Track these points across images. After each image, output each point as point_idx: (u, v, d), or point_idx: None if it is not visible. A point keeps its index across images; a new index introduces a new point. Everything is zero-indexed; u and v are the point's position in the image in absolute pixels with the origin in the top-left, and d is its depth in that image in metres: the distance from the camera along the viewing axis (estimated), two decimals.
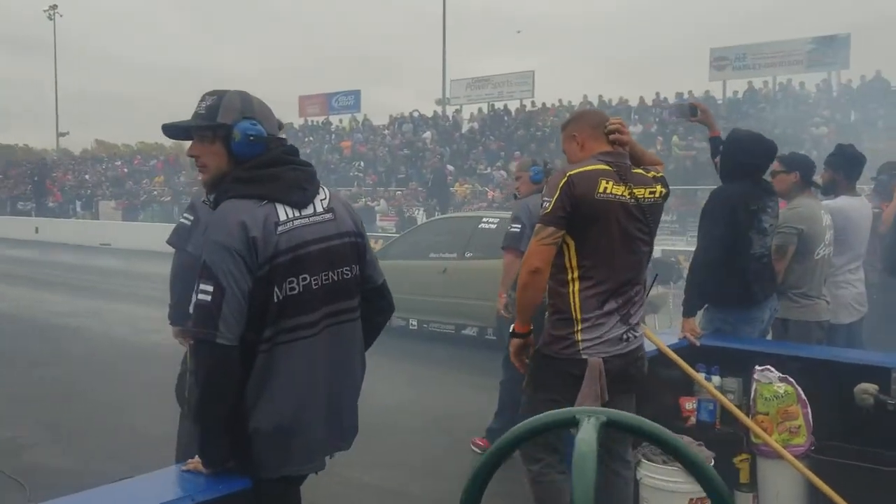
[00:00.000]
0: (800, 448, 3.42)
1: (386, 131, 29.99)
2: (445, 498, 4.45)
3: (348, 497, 4.23)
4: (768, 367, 3.54)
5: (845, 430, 3.48)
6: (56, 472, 4.69)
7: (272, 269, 2.04)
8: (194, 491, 2.04)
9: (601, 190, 2.81)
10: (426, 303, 8.65)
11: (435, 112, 30.81)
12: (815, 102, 22.03)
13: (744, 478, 3.60)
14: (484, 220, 8.81)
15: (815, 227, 4.34)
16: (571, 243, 2.86)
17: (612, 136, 2.97)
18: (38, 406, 6.19)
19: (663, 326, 7.62)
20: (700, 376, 3.65)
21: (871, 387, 3.38)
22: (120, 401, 6.32)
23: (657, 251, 10.82)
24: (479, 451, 5.01)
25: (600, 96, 25.80)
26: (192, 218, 3.75)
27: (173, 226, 3.94)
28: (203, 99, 2.16)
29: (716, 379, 3.72)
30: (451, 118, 29.72)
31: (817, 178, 4.70)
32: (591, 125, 3.04)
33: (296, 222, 2.11)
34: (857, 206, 4.77)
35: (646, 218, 2.92)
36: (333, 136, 31.13)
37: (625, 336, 2.90)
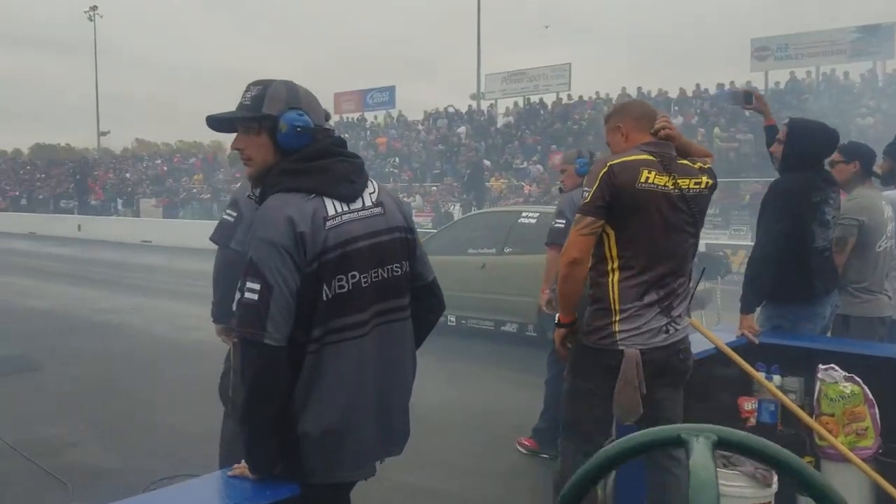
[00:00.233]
0: (867, 451, 3.25)
1: (420, 127, 29.95)
2: (488, 498, 4.35)
3: (388, 497, 4.14)
4: (832, 365, 3.37)
5: None
6: (98, 471, 4.68)
7: (321, 266, 1.94)
8: (240, 498, 1.96)
9: (643, 179, 2.77)
10: (465, 299, 8.53)
11: (470, 107, 30.66)
12: (860, 93, 21.49)
13: None
14: (524, 214, 8.67)
15: (876, 219, 4.16)
16: (612, 233, 2.83)
17: (661, 133, 2.92)
18: (80, 403, 6.22)
19: (710, 322, 7.42)
20: (760, 375, 3.49)
21: None
22: (161, 398, 6.32)
23: (701, 245, 10.63)
24: (524, 451, 4.89)
25: (639, 88, 25.44)
26: (234, 214, 3.68)
27: (212, 223, 3.87)
28: (248, 89, 2.07)
29: (776, 378, 3.55)
30: (486, 113, 29.55)
31: (875, 169, 4.51)
32: (634, 116, 3.01)
33: (344, 217, 2.01)
34: None
35: (690, 209, 2.86)
36: (368, 132, 31.17)
37: (666, 328, 2.84)
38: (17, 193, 38.12)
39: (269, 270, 1.87)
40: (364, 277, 2.02)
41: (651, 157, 2.83)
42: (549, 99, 28.14)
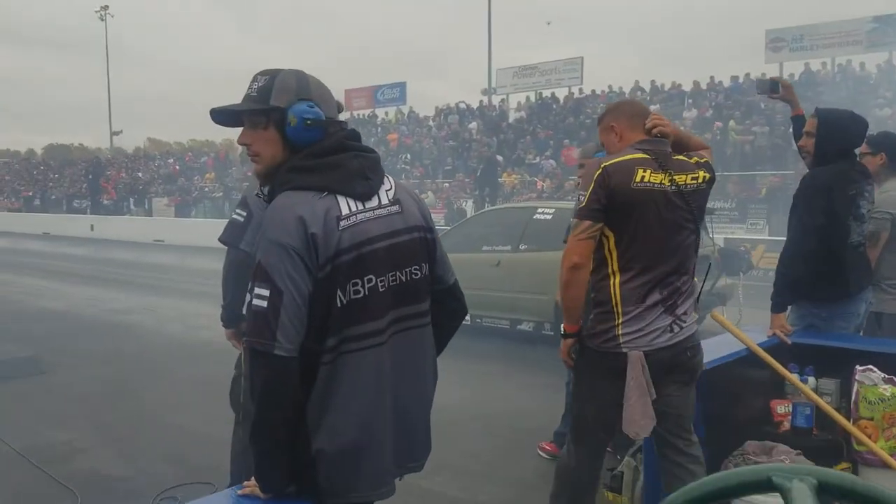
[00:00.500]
0: None
1: (432, 123, 29.79)
2: (508, 503, 4.21)
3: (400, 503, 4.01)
4: (870, 366, 3.21)
5: None
6: (107, 479, 4.57)
7: (334, 270, 1.80)
8: None
9: (638, 179, 2.74)
10: (480, 297, 8.35)
11: (481, 102, 30.47)
12: (877, 83, 21.15)
13: None
14: (539, 210, 8.50)
15: None
16: (611, 235, 2.80)
17: (655, 131, 2.87)
18: (90, 407, 6.11)
19: (731, 319, 7.24)
20: (795, 377, 3.33)
21: None
22: (173, 400, 6.22)
23: (719, 240, 10.45)
24: (546, 456, 4.74)
25: (652, 81, 25.21)
26: (244, 214, 3.55)
27: (224, 221, 3.75)
28: (254, 80, 1.92)
29: (811, 380, 3.40)
30: (497, 108, 29.35)
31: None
32: (627, 115, 2.98)
33: (359, 216, 1.86)
34: None
35: (689, 205, 2.83)
36: (379, 129, 31.04)
37: (671, 327, 2.80)
38: (30, 194, 38.27)
39: (279, 275, 1.74)
40: (381, 281, 1.88)
41: (646, 156, 2.79)
42: (562, 93, 27.90)
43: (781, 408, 3.41)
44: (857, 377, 3.21)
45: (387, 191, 1.97)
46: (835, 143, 3.66)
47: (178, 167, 35.06)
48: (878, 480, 3.10)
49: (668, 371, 2.82)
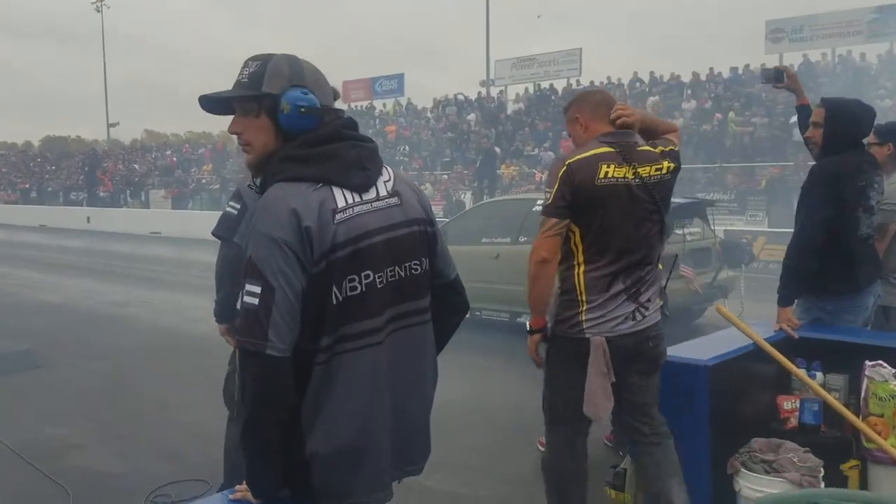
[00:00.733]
0: None
1: (430, 114, 29.66)
2: (507, 501, 4.14)
3: (398, 500, 3.94)
4: (880, 362, 3.14)
5: None
6: (101, 475, 4.50)
7: (329, 265, 1.71)
8: None
9: (602, 175, 2.81)
10: (479, 290, 8.26)
11: (479, 94, 30.33)
12: (877, 74, 21.04)
13: (853, 487, 3.20)
14: (539, 202, 8.38)
15: None
16: (577, 230, 2.88)
17: (618, 122, 2.93)
18: (86, 402, 6.04)
19: (733, 312, 7.19)
20: (802, 373, 3.25)
21: None
22: (168, 395, 6.15)
23: (720, 232, 10.38)
24: (544, 450, 4.68)
25: (651, 72, 25.13)
26: (238, 206, 3.46)
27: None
28: (246, 65, 1.82)
29: (818, 376, 3.32)
30: (496, 99, 29.22)
31: None
32: (592, 106, 3.02)
33: (356, 209, 1.77)
34: None
35: (653, 197, 2.89)
36: (378, 120, 30.90)
37: (633, 315, 2.89)
38: (27, 186, 38.13)
39: (271, 271, 1.65)
40: (379, 277, 1.79)
41: (610, 149, 2.85)
42: (560, 85, 27.76)
43: (788, 404, 3.33)
44: (866, 373, 3.14)
45: (385, 182, 1.88)
46: (843, 133, 3.58)
47: (175, 159, 34.90)
48: (887, 478, 3.06)
49: (632, 360, 2.90)
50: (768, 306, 3.74)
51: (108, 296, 11.75)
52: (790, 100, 4.25)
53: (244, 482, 1.80)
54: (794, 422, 3.31)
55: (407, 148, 26.96)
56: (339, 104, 1.96)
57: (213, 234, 3.50)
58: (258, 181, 1.84)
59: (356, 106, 32.96)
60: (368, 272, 1.77)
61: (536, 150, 22.72)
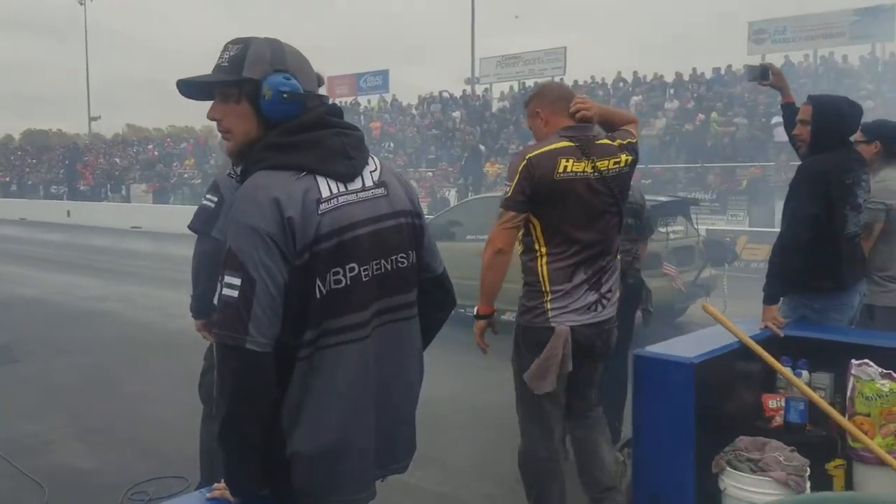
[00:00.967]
0: None
1: (415, 111, 29.57)
2: (496, 501, 4.10)
3: (387, 500, 3.89)
4: (867, 361, 3.12)
5: None
6: (77, 472, 4.43)
7: (313, 258, 1.65)
8: None
9: (561, 169, 2.89)
10: (464, 287, 8.17)
11: (464, 91, 30.29)
12: (859, 75, 21.20)
13: (838, 486, 3.18)
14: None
15: None
16: (537, 223, 2.98)
17: (577, 116, 3.02)
18: (63, 397, 5.95)
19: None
20: (788, 371, 3.23)
21: None
22: (147, 391, 6.06)
23: (702, 231, 10.41)
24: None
25: (635, 72, 25.18)
26: (215, 199, 3.37)
27: None
28: (226, 49, 1.75)
29: (804, 374, 3.30)
30: (480, 97, 29.18)
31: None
32: (551, 100, 3.10)
33: (341, 199, 1.71)
34: None
35: (611, 189, 2.98)
36: (362, 116, 30.77)
37: (595, 305, 3.02)
38: (7, 179, 37.75)
39: (252, 262, 1.59)
40: (364, 270, 1.73)
41: (569, 144, 2.93)
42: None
43: (773, 402, 3.31)
44: (853, 372, 3.11)
45: (371, 172, 1.82)
46: (831, 131, 3.55)
47: (156, 153, 34.59)
48: (873, 478, 3.04)
49: (586, 352, 3.06)
50: (751, 304, 3.72)
51: (88, 290, 11.61)
52: (771, 101, 4.25)
53: (222, 480, 1.74)
54: (779, 420, 3.28)
55: (392, 145, 26.85)
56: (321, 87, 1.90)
57: (190, 227, 3.41)
58: (239, 170, 1.78)
59: (341, 102, 32.79)
60: (353, 265, 1.71)
61: (521, 148, 22.67)
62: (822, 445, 3.19)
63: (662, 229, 7.30)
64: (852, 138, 3.86)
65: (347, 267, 1.71)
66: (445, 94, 29.56)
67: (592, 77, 26.19)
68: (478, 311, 3.17)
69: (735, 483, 2.88)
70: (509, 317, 8.02)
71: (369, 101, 32.55)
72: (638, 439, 3.10)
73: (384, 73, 33.15)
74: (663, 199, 7.75)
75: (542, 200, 2.92)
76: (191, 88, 1.79)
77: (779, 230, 3.67)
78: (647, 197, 5.22)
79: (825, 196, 3.45)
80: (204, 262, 3.37)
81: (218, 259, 1.69)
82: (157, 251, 17.71)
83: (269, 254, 1.60)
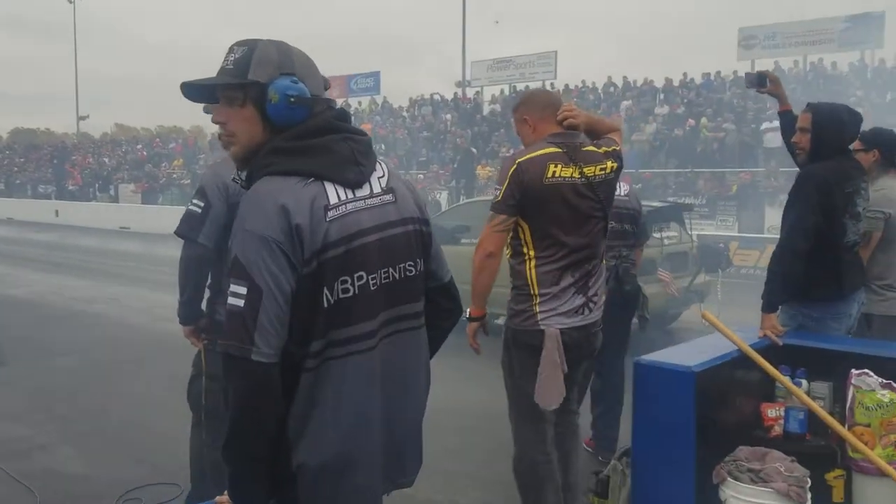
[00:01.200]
0: None
1: (405, 113, 29.53)
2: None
3: None
4: (866, 370, 3.11)
5: None
6: (68, 477, 4.37)
7: (321, 266, 1.61)
8: None
9: (549, 175, 2.95)
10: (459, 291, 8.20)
11: (455, 94, 30.27)
12: (848, 82, 21.32)
13: (837, 497, 3.17)
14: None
15: None
16: (526, 226, 3.03)
17: (565, 124, 3.08)
18: (52, 401, 5.87)
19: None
20: (787, 380, 3.21)
21: None
22: (137, 394, 6.00)
23: (695, 236, 10.41)
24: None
25: (625, 77, 25.27)
26: (201, 205, 3.26)
27: None
28: (231, 51, 1.71)
29: (803, 383, 3.29)
30: (472, 100, 29.18)
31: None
32: (539, 107, 3.17)
33: (349, 206, 1.67)
34: None
35: (597, 195, 3.05)
36: (353, 118, 30.59)
37: (582, 309, 3.07)
38: None
39: (258, 270, 1.55)
40: (372, 279, 1.70)
41: (557, 150, 3.00)
42: (535, 87, 27.81)
43: (772, 411, 3.29)
44: (853, 381, 3.10)
45: (379, 178, 1.78)
46: (831, 139, 3.54)
47: (145, 153, 34.37)
48: (872, 489, 3.03)
49: (576, 353, 3.10)
50: (744, 311, 3.71)
51: (76, 291, 11.51)
52: (760, 107, 4.24)
53: (225, 493, 1.70)
54: (778, 430, 3.27)
55: (383, 146, 26.78)
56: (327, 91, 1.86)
57: (176, 233, 3.33)
58: (243, 175, 1.74)
59: None
60: (361, 273, 1.68)
61: (512, 152, 22.59)
62: (822, 455, 3.17)
63: (657, 235, 7.30)
64: (850, 146, 3.86)
65: (356, 275, 1.67)
66: (437, 97, 29.55)
67: (583, 81, 26.31)
68: (470, 313, 3.19)
69: (736, 494, 2.86)
70: (502, 321, 8.04)
71: (360, 103, 32.47)
72: (638, 448, 3.08)
73: (375, 75, 33.10)
74: (657, 204, 7.75)
75: (531, 204, 2.98)
76: (194, 91, 1.75)
77: (768, 236, 3.66)
78: (641, 202, 5.20)
79: (826, 205, 3.43)
80: (191, 268, 3.29)
81: (204, 264, 1.63)
82: (145, 252, 17.59)
83: (276, 262, 1.57)
